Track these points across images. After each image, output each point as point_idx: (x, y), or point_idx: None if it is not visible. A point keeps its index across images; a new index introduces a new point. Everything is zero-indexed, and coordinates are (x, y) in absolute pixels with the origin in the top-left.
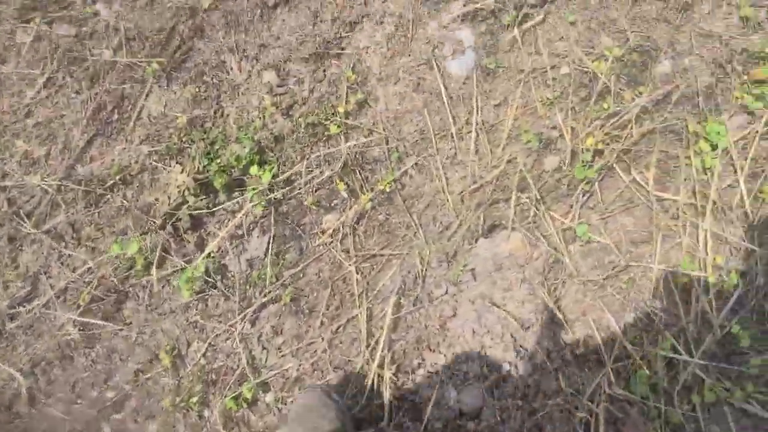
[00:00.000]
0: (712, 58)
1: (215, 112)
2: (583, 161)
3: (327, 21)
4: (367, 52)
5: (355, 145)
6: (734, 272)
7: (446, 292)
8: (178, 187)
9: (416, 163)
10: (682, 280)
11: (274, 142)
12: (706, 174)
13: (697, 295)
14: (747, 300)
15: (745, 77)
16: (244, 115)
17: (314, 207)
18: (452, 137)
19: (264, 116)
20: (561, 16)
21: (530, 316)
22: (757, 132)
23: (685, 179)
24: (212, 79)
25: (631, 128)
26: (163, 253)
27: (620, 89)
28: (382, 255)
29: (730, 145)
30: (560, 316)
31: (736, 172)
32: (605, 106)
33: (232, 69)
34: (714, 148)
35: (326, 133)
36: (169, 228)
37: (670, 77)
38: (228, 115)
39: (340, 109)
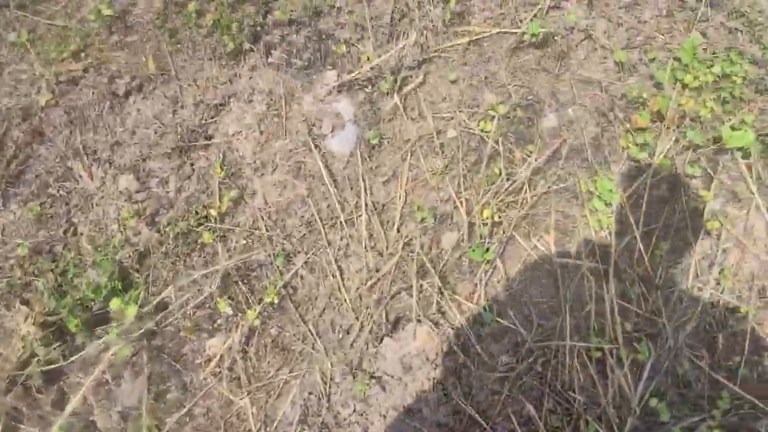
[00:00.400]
0: (595, 107)
1: (66, 232)
2: (480, 236)
3: (188, 106)
4: (237, 139)
5: (233, 255)
6: (644, 339)
7: (354, 411)
8: (23, 338)
9: (306, 262)
10: (596, 354)
11: (140, 259)
12: (604, 231)
13: (612, 367)
14: (660, 364)
15: (628, 125)
16: (100, 232)
17: (193, 336)
18: (342, 225)
19: (124, 229)
20: (441, 75)
21: (448, 420)
22: (646, 183)
23: (585, 239)
24: (59, 191)
25: (526, 192)
26: (14, 423)
27: (509, 149)
28: (278, 378)
29: (623, 201)
30: (477, 415)
31: (632, 228)
32: (497, 170)
33: (81, 177)
34: (608, 205)
35: (200, 241)
36: (18, 389)
37: (557, 131)
38: (81, 234)
39: (213, 212)
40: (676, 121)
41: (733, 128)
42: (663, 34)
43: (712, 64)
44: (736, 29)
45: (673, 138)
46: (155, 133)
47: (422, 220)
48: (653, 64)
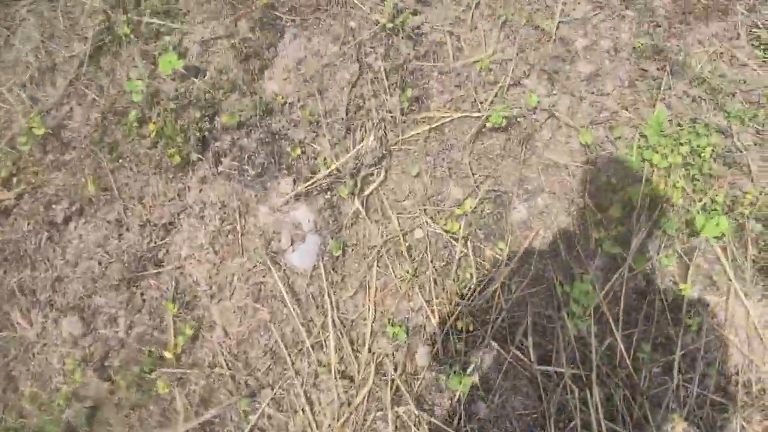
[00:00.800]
0: (564, 193)
1: (5, 390)
2: (456, 351)
3: (134, 228)
4: (190, 262)
5: (193, 399)
6: None
7: None
8: None
9: (273, 398)
10: None
11: (90, 415)
12: (582, 333)
13: None
14: None
15: (600, 215)
16: (44, 386)
17: None
18: (309, 351)
19: (71, 381)
20: (403, 169)
21: None
22: (623, 278)
23: (565, 344)
24: None
25: (500, 297)
26: None
27: (479, 247)
28: None
29: (600, 301)
30: None
31: (611, 328)
32: (468, 275)
33: (19, 323)
34: (586, 308)
35: (155, 389)
36: None
37: (528, 224)
38: (22, 391)
39: (168, 353)
40: (647, 207)
41: (705, 209)
42: (627, 108)
43: (678, 137)
44: (699, 97)
45: (646, 229)
46: (99, 264)
47: (394, 335)
48: (619, 142)
